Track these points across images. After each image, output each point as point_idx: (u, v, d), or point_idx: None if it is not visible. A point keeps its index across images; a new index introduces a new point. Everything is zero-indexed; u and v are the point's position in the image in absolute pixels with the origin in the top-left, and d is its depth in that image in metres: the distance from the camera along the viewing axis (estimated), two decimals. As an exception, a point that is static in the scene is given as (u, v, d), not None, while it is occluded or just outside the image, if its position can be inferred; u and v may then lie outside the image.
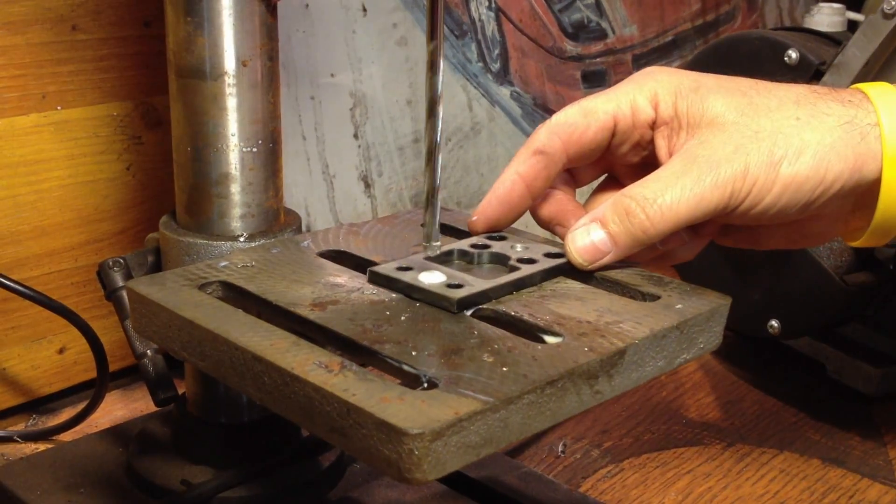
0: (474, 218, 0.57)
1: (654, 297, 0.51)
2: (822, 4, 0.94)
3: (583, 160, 0.57)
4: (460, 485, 0.69)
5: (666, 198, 0.50)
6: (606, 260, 0.52)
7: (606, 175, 0.60)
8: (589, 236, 0.52)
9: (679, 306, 0.49)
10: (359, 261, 0.55)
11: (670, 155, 0.53)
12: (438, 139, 0.53)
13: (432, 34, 0.51)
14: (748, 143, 0.51)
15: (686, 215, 0.50)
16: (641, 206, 0.51)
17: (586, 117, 0.55)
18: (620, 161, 0.58)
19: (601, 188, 0.60)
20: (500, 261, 0.54)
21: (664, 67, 0.56)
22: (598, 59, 1.18)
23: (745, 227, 0.57)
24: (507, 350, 0.44)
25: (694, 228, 0.55)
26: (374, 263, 0.53)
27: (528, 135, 1.11)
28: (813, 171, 0.50)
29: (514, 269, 0.52)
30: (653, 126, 0.54)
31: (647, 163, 0.56)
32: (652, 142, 0.55)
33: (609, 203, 0.52)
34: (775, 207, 0.50)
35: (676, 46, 1.27)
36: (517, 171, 0.55)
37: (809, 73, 0.84)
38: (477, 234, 0.57)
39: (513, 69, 1.08)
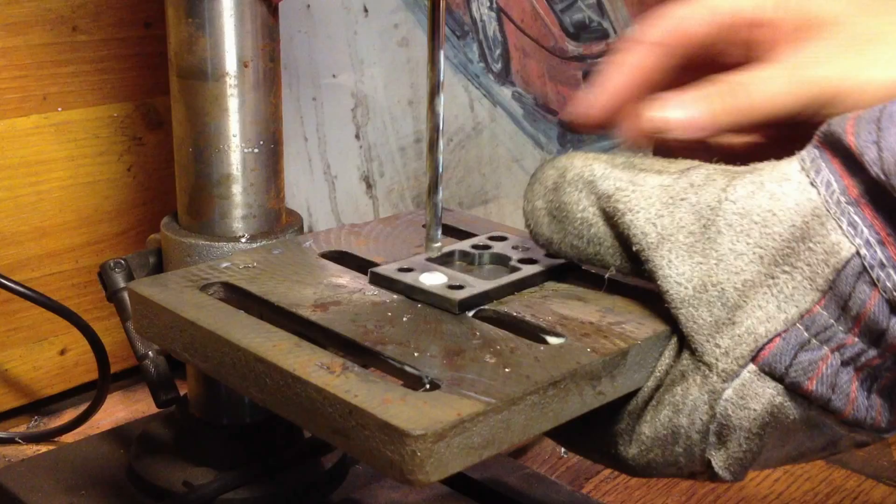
0: (582, 110, 0.51)
1: (657, 298, 0.50)
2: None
3: (690, 59, 0.52)
4: (463, 486, 0.69)
5: (762, 86, 0.48)
6: (699, 133, 0.48)
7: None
8: (685, 108, 0.48)
9: (682, 307, 0.49)
10: (360, 261, 0.55)
11: (770, 54, 0.50)
12: (440, 143, 0.53)
13: (433, 35, 0.51)
14: (846, 46, 0.48)
15: (781, 106, 0.47)
16: (741, 88, 0.48)
17: (712, 13, 0.50)
18: (715, 63, 0.52)
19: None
20: (501, 261, 0.54)
21: None
22: (599, 59, 1.18)
23: None
24: (509, 351, 0.44)
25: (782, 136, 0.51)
26: (376, 264, 0.52)
27: (529, 135, 1.11)
28: None
29: (515, 269, 0.52)
30: (755, 25, 0.51)
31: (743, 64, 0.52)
32: (754, 43, 0.51)
33: (705, 81, 0.49)
34: None
35: (678, 46, 1.27)
36: (633, 64, 0.50)
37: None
38: (580, 131, 0.52)
39: (514, 69, 1.08)
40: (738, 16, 0.51)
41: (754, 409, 0.42)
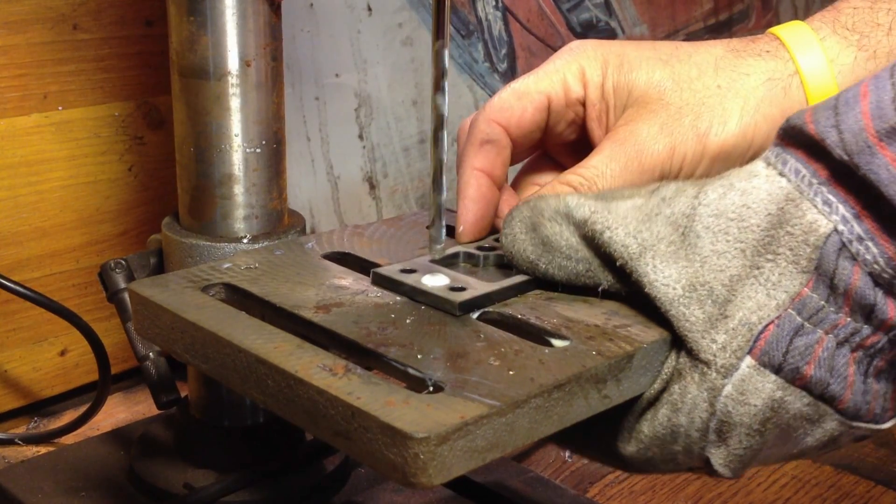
0: (461, 229, 0.55)
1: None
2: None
3: (525, 142, 0.56)
4: (466, 489, 0.69)
5: (604, 170, 0.51)
6: None
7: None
8: None
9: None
10: (363, 263, 0.54)
11: (603, 134, 0.54)
12: (444, 144, 0.52)
13: (438, 34, 0.51)
14: (672, 120, 0.51)
15: (623, 184, 0.51)
16: (584, 183, 0.52)
17: (521, 100, 0.54)
18: (556, 140, 0.57)
19: (529, 165, 0.59)
20: (506, 264, 0.53)
21: (592, 40, 0.56)
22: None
23: None
24: (513, 353, 0.43)
25: None
26: (379, 266, 0.52)
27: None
28: (740, 137, 0.51)
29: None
30: (584, 104, 0.54)
31: (582, 140, 0.56)
32: (584, 119, 0.55)
33: (548, 189, 0.53)
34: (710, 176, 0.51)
35: (683, 47, 1.26)
36: (475, 167, 0.54)
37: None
38: (467, 242, 0.55)
39: (520, 69, 1.08)
40: (552, 97, 0.54)
41: (754, 405, 0.42)
